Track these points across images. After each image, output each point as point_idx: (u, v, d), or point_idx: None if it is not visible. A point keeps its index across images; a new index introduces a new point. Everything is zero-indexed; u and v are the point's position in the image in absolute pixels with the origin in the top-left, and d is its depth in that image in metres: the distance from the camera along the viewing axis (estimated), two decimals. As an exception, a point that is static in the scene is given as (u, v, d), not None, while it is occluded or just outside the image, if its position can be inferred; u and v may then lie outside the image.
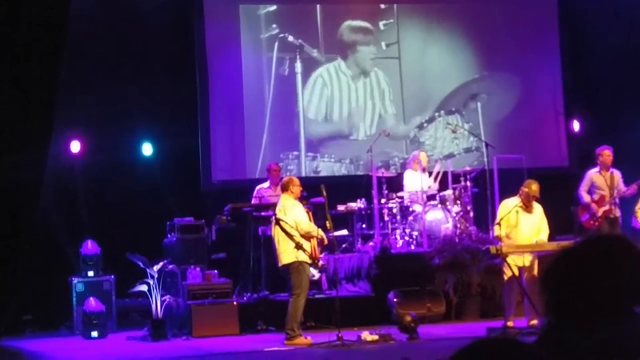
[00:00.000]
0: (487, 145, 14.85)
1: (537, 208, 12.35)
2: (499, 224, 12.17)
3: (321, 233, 11.93)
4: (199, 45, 16.30)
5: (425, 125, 17.14)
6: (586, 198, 14.30)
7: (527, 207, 12.22)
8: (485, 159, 14.84)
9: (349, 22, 17.05)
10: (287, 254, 11.79)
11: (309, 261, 11.80)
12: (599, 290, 2.75)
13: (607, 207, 14.18)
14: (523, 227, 12.20)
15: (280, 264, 11.92)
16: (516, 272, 11.97)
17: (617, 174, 14.32)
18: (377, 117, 16.98)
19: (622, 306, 2.76)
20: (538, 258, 12.19)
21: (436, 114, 17.17)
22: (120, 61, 15.38)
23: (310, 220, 11.98)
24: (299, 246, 11.70)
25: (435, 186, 15.11)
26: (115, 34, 15.38)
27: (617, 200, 14.29)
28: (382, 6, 17.30)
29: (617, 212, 14.30)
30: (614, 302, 2.75)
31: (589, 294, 2.76)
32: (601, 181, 14.27)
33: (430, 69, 17.30)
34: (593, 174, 14.38)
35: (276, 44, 16.60)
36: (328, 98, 16.85)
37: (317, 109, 16.80)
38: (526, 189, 12.22)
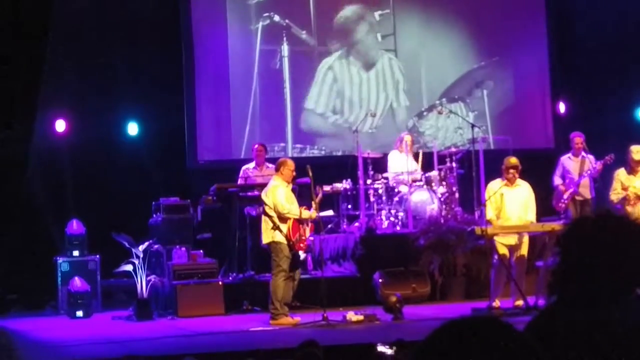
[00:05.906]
0: (473, 126, 14.83)
1: (525, 185, 12.37)
2: (485, 205, 12.18)
3: (306, 213, 11.98)
4: (185, 23, 16.21)
5: (425, 113, 16.94)
6: (556, 181, 14.56)
7: (512, 183, 12.22)
8: (474, 139, 14.68)
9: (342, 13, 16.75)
10: (266, 234, 12.05)
11: (285, 241, 11.90)
12: (604, 270, 2.74)
13: (573, 189, 14.29)
14: (511, 206, 12.20)
15: (262, 244, 12.19)
16: (506, 252, 12.03)
17: (588, 159, 14.37)
18: (389, 108, 16.78)
19: (624, 288, 2.76)
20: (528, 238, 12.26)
21: (437, 102, 16.80)
22: (105, 40, 15.28)
23: (293, 201, 12.06)
24: (275, 227, 11.85)
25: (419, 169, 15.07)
26: (101, 12, 15.29)
27: (588, 183, 14.37)
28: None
29: (589, 194, 14.40)
30: (617, 283, 2.75)
31: (594, 273, 2.75)
32: (571, 165, 14.49)
33: (429, 62, 17.00)
34: (564, 158, 14.62)
35: (261, 24, 16.41)
36: (339, 91, 16.59)
37: (327, 103, 16.57)
38: (504, 165, 12.26)
